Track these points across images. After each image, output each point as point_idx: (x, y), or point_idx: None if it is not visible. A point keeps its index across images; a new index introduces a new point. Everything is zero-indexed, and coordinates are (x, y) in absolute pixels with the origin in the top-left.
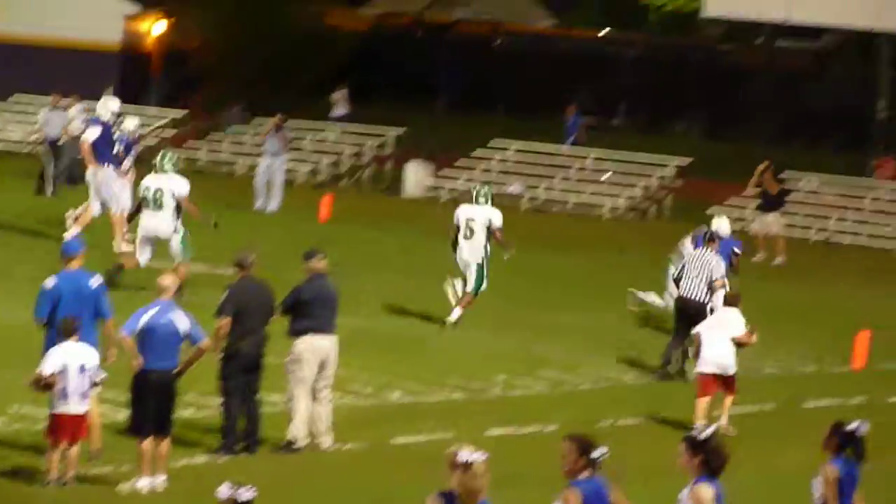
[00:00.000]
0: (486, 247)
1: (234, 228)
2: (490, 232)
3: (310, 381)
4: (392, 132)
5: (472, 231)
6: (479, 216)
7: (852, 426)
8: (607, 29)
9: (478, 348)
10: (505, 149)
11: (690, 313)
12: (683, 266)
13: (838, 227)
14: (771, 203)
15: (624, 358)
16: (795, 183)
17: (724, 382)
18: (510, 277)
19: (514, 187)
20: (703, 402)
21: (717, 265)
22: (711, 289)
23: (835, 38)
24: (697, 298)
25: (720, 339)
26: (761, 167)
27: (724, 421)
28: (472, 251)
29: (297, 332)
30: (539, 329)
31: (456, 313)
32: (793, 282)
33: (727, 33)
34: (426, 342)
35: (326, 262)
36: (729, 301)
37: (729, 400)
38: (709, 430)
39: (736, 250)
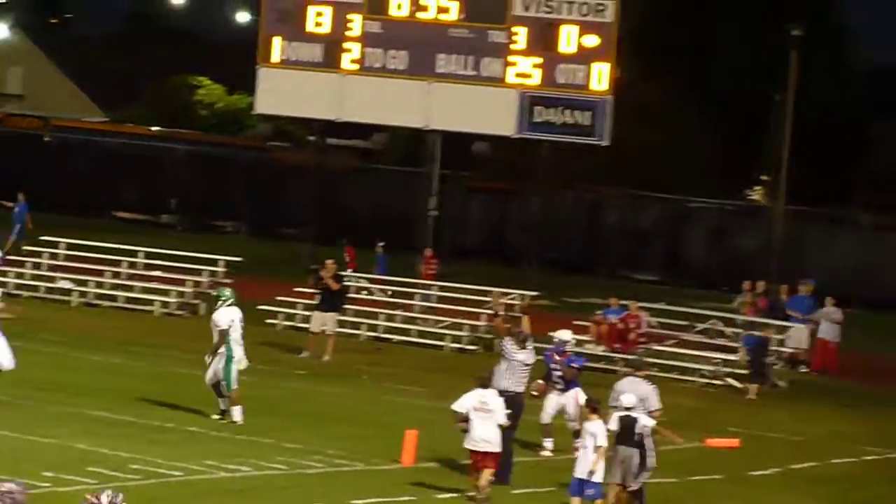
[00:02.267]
0: None
1: None
2: None
3: None
4: None
5: None
6: None
7: None
8: (156, 127)
9: (17, 445)
10: (55, 244)
11: None
12: None
13: (387, 326)
14: (331, 302)
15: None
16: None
17: None
18: (47, 373)
19: (65, 282)
20: None
21: None
22: None
23: (385, 136)
24: None
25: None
26: (328, 264)
27: None
28: None
29: None
30: (75, 424)
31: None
32: (344, 379)
33: (277, 131)
34: None
35: None
36: None
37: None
38: None
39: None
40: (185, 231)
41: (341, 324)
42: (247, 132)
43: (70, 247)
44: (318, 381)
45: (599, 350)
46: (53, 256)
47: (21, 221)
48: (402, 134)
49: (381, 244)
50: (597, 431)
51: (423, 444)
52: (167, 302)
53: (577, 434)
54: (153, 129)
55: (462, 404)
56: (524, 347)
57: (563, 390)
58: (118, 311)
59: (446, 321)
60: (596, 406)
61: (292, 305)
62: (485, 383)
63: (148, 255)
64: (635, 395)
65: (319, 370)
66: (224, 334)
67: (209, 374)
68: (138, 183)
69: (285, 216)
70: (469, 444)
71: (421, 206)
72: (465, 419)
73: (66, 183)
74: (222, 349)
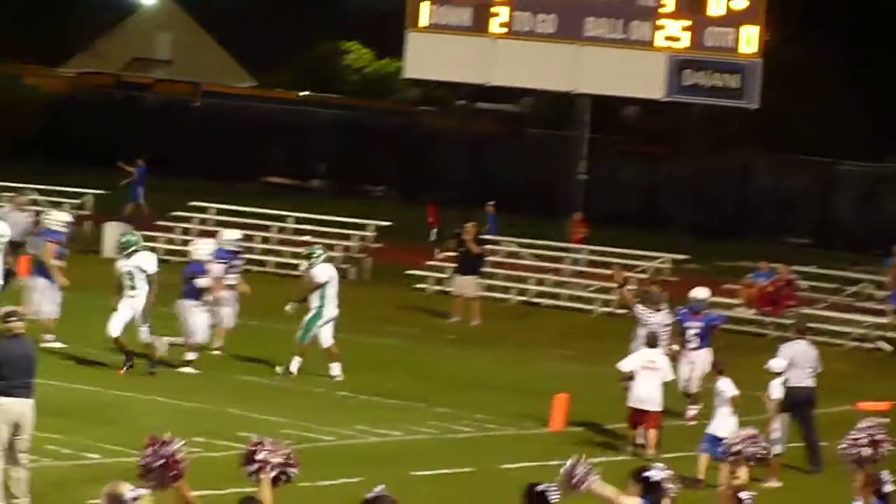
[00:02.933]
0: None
1: None
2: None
3: (2, 444)
4: (90, 193)
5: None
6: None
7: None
8: (306, 91)
9: (171, 411)
10: (204, 210)
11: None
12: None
13: (537, 290)
14: (470, 266)
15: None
16: (494, 246)
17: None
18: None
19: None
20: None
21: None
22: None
23: (533, 100)
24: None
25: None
26: (469, 227)
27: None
28: None
29: None
30: (230, 391)
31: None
32: (493, 345)
33: (426, 96)
34: (123, 406)
35: (22, 324)
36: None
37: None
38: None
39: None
40: (333, 196)
41: (490, 288)
42: (395, 97)
43: (219, 212)
44: (467, 345)
45: (750, 313)
46: (203, 222)
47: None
48: (550, 98)
49: (491, 203)
50: (725, 388)
51: (573, 408)
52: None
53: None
54: (301, 94)
55: (628, 363)
56: (658, 310)
57: (696, 348)
58: (267, 276)
59: (596, 285)
60: (722, 369)
61: (441, 270)
62: (651, 342)
63: (297, 220)
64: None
65: (468, 335)
66: (320, 288)
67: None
68: (287, 148)
69: (434, 181)
70: (631, 402)
71: (570, 171)
72: (630, 377)
73: (215, 148)
74: (315, 304)
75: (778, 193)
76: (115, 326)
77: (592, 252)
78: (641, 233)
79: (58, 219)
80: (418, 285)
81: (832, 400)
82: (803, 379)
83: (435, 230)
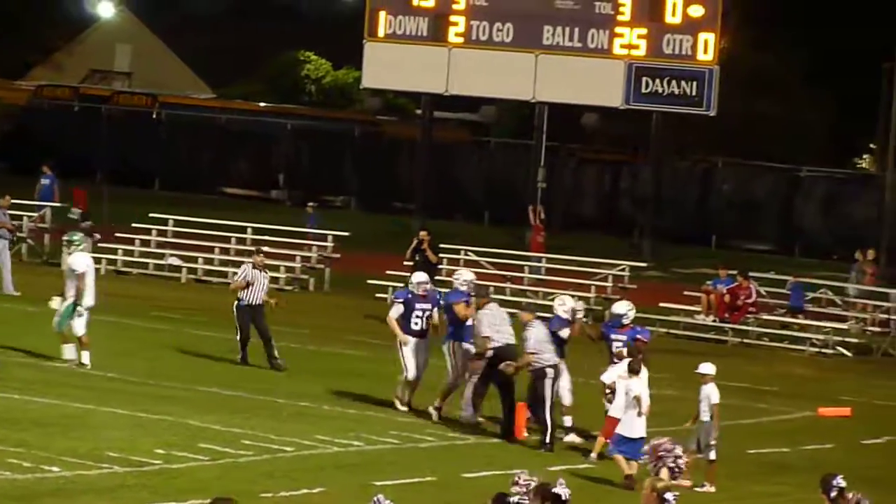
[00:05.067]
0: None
1: None
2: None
3: None
4: (49, 206)
5: None
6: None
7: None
8: (265, 102)
9: (131, 423)
10: (164, 221)
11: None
12: None
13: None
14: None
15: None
16: (454, 255)
17: None
18: (159, 352)
19: (174, 259)
20: None
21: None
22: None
23: (494, 109)
24: None
25: None
26: (423, 236)
27: None
28: None
29: None
30: (187, 402)
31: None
32: None
33: (386, 105)
34: (83, 419)
35: None
36: None
37: None
38: None
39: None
40: (293, 206)
41: None
42: (356, 107)
43: (178, 223)
44: (432, 354)
45: (709, 320)
46: (162, 233)
47: (49, 197)
48: (510, 107)
49: (312, 204)
50: (635, 388)
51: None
52: (276, 277)
53: None
54: (262, 104)
55: (609, 375)
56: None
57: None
58: (227, 287)
59: (556, 294)
60: (637, 369)
61: (402, 280)
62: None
63: (256, 231)
64: None
65: (430, 344)
66: (82, 279)
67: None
68: (247, 159)
69: (395, 190)
70: (612, 413)
71: (531, 179)
72: (613, 390)
73: (175, 160)
74: (71, 292)
75: (740, 199)
76: (56, 322)
77: (552, 260)
78: (603, 239)
79: None
80: (379, 295)
81: (794, 406)
82: None
83: (80, 211)
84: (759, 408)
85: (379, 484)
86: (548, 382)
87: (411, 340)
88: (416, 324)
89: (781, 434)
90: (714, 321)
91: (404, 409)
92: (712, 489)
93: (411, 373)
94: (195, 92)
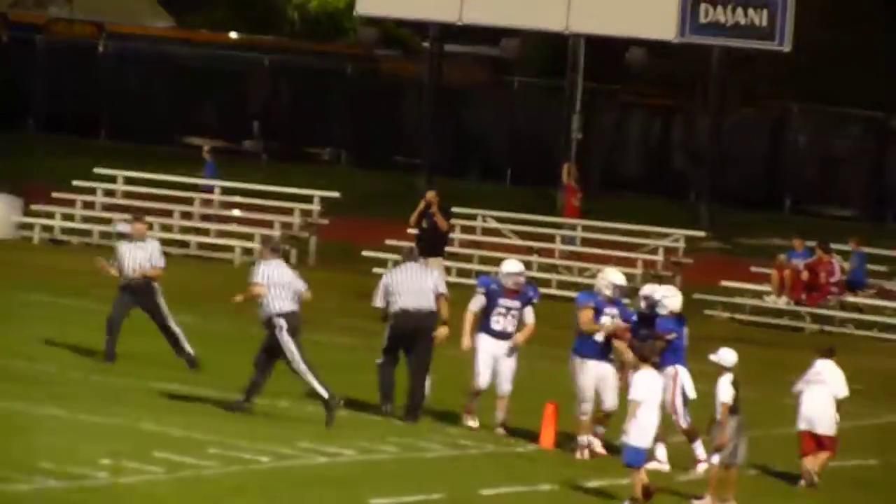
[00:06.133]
0: None
1: None
2: None
3: None
4: None
5: None
6: None
7: None
8: (236, 33)
9: (72, 428)
10: (112, 179)
11: None
12: None
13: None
14: (435, 244)
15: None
16: (468, 221)
17: None
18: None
19: (123, 226)
20: None
21: None
22: None
23: (518, 43)
24: None
25: None
26: (430, 197)
27: None
28: None
29: None
30: (139, 401)
31: None
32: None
33: (385, 37)
34: (15, 422)
35: None
36: None
37: None
38: None
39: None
40: (271, 160)
41: (465, 273)
42: (347, 39)
43: (130, 181)
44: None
45: (782, 303)
46: (109, 193)
47: None
48: (538, 40)
49: (208, 148)
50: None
51: (566, 418)
52: (250, 248)
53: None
54: (232, 35)
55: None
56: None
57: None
58: (190, 260)
59: (593, 269)
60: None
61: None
62: (824, 354)
63: (226, 191)
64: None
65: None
66: None
67: None
68: (214, 102)
69: (396, 141)
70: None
71: (563, 128)
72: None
73: (124, 103)
74: None
75: (819, 154)
76: None
77: (589, 228)
78: (651, 202)
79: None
80: (376, 269)
81: (885, 407)
82: None
83: None
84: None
85: (375, 502)
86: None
87: (487, 340)
88: (498, 322)
89: (867, 442)
90: (788, 304)
91: (473, 424)
92: None
93: (481, 379)
94: (150, 20)
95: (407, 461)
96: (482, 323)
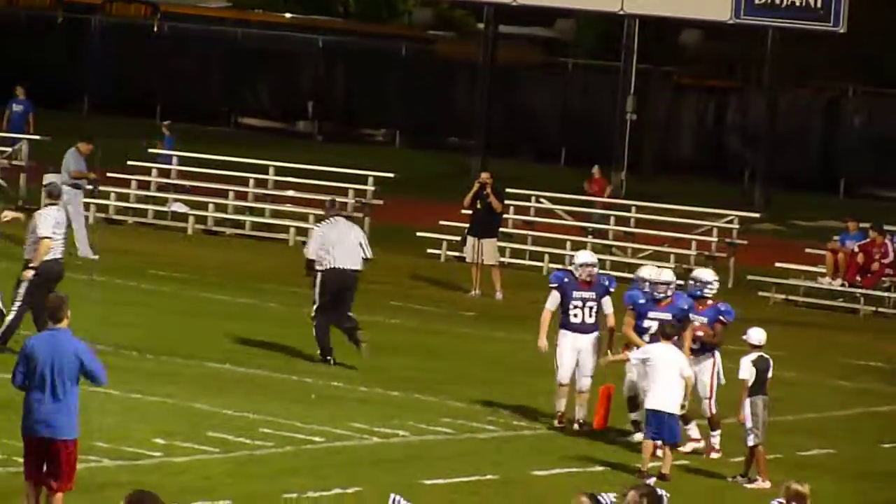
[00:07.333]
0: None
1: None
2: None
3: None
4: (25, 139)
5: None
6: None
7: None
8: (291, 14)
9: (125, 407)
10: (167, 158)
11: None
12: None
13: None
14: (488, 226)
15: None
16: (522, 202)
17: None
18: (158, 320)
19: (178, 206)
20: None
21: None
22: None
23: (572, 24)
24: None
25: None
26: (485, 178)
27: None
28: None
29: None
30: (192, 381)
31: None
32: (521, 322)
33: (439, 19)
34: None
35: None
36: None
37: None
38: None
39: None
40: (325, 141)
41: (519, 253)
42: (401, 20)
43: (185, 161)
44: (489, 323)
45: (836, 285)
46: (164, 173)
47: (20, 128)
48: (593, 21)
49: (166, 122)
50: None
51: (620, 400)
52: (304, 228)
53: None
54: (287, 16)
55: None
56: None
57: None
58: (244, 240)
59: (647, 250)
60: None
61: (458, 232)
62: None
63: (280, 171)
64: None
65: (490, 310)
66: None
67: None
68: (268, 83)
69: (450, 122)
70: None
71: (617, 109)
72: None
73: (179, 83)
74: None
75: (875, 136)
76: None
77: (642, 209)
78: (705, 184)
79: None
80: (431, 250)
81: None
82: None
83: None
84: None
85: (428, 483)
86: None
87: (568, 336)
88: (576, 315)
89: None
90: (842, 286)
91: (558, 424)
92: (766, 484)
93: (561, 372)
94: (204, 0)
95: (459, 442)
96: (561, 319)
